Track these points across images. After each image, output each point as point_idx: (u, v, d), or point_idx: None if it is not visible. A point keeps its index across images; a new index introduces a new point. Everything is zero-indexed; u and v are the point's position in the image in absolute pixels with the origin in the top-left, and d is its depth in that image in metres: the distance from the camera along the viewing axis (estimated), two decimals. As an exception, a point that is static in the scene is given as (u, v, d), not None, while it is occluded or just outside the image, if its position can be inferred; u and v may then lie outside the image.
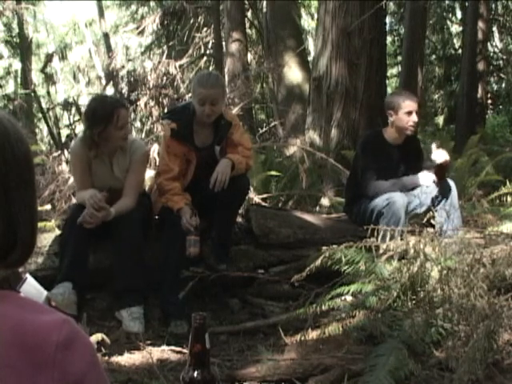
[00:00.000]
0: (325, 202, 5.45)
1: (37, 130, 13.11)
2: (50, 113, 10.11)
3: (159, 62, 7.53)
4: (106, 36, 15.15)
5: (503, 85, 14.95)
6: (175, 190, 3.23)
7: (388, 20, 12.69)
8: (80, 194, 3.28)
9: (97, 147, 3.19)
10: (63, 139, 7.54)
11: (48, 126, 9.71)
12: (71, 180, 4.90)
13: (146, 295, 3.19)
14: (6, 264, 0.80)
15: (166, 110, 6.15)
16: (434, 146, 3.71)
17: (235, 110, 6.13)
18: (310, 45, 12.71)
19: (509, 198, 4.62)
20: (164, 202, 3.25)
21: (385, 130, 3.77)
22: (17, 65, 16.46)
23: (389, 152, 3.71)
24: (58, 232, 3.45)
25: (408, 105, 3.63)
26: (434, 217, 3.26)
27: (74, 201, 4.60)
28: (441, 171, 3.65)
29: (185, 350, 2.66)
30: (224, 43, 9.21)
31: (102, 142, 3.17)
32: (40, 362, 0.72)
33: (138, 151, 3.29)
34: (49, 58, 15.27)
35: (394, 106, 3.67)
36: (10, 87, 16.43)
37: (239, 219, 3.69)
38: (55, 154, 5.68)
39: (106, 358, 2.61)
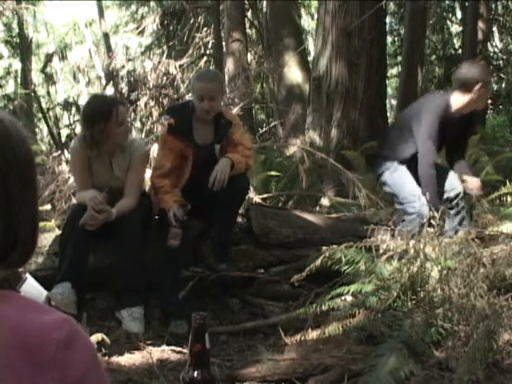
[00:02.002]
0: (325, 202, 5.45)
1: (37, 130, 13.11)
2: (50, 113, 10.12)
3: (159, 62, 7.53)
4: (105, 36, 15.14)
5: (503, 85, 14.94)
6: (165, 188, 3.25)
7: (388, 20, 12.67)
8: (80, 194, 3.28)
9: (98, 146, 3.17)
10: (63, 139, 7.55)
11: (48, 126, 9.72)
12: (71, 180, 4.90)
13: (147, 295, 3.19)
14: (7, 264, 0.80)
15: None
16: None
17: (235, 110, 6.12)
18: (310, 45, 12.71)
19: (509, 198, 4.61)
20: (158, 203, 3.27)
21: (453, 97, 3.64)
22: (17, 65, 16.44)
23: (451, 121, 3.63)
24: (58, 232, 3.45)
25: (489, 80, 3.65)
26: (434, 217, 3.26)
27: (74, 201, 4.60)
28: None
29: (185, 350, 2.66)
30: (224, 43, 9.21)
31: (103, 140, 3.14)
32: (40, 362, 0.72)
33: (138, 151, 3.29)
34: (49, 58, 15.26)
35: (481, 80, 3.54)
36: (10, 87, 16.43)
37: (239, 219, 3.69)
38: (55, 154, 5.69)
39: (106, 358, 2.61)
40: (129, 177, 3.24)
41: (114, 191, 3.21)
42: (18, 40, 15.47)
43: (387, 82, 9.49)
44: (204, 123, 3.34)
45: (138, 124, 7.55)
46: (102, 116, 3.09)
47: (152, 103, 6.82)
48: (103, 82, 11.93)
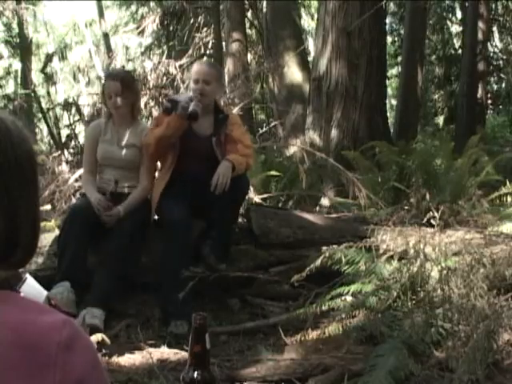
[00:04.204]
0: (325, 202, 5.45)
1: (37, 130, 13.10)
2: (50, 113, 10.11)
3: (159, 62, 7.53)
4: (105, 36, 15.14)
5: (503, 85, 14.93)
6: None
7: (388, 20, 12.68)
8: (86, 187, 3.46)
9: (111, 115, 3.49)
10: (63, 139, 7.53)
11: (48, 126, 9.71)
12: (71, 180, 4.91)
13: (112, 305, 3.11)
14: (8, 265, 0.80)
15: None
16: None
17: (235, 110, 6.13)
18: (310, 45, 12.70)
19: (509, 198, 4.61)
20: (156, 202, 3.29)
21: None
22: (17, 65, 16.44)
23: None
24: (58, 232, 3.45)
25: None
26: (434, 217, 3.26)
27: (73, 201, 4.60)
28: None
29: (185, 350, 2.66)
30: (224, 43, 9.21)
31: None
32: (42, 363, 0.72)
33: None
34: (49, 58, 15.26)
35: None
36: (10, 87, 16.42)
37: (239, 219, 3.69)
38: (55, 154, 5.69)
39: (106, 358, 2.61)
40: (141, 166, 3.42)
41: (119, 164, 3.39)
42: (18, 40, 15.47)
43: (387, 81, 9.49)
44: (203, 115, 3.38)
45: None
46: (101, 88, 3.65)
47: (152, 103, 6.82)
48: (103, 81, 11.90)
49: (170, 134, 3.27)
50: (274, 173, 5.54)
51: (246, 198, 3.76)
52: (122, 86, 3.36)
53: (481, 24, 10.42)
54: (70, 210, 3.35)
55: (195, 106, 3.20)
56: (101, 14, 15.62)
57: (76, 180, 4.88)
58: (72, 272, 3.02)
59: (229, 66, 8.76)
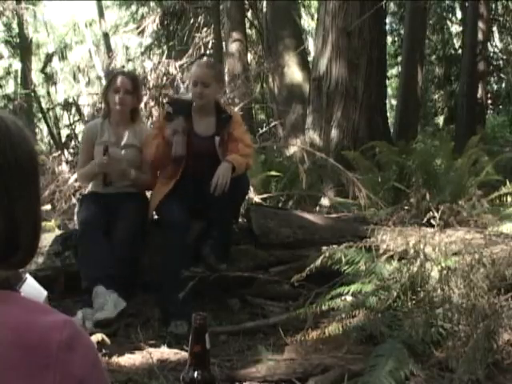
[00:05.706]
0: (325, 202, 5.45)
1: (37, 130, 13.10)
2: (50, 113, 10.11)
3: (159, 62, 7.53)
4: (105, 36, 15.16)
5: (503, 85, 14.94)
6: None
7: (388, 20, 12.68)
8: (81, 170, 3.50)
9: (109, 112, 3.47)
10: (63, 139, 7.54)
11: (48, 126, 9.72)
12: (71, 180, 4.91)
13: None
14: (8, 265, 0.79)
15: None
16: None
17: (235, 110, 6.12)
18: (310, 45, 12.70)
19: (509, 198, 4.61)
20: (156, 203, 3.29)
21: None
22: (17, 65, 16.45)
23: None
24: (58, 232, 3.45)
25: None
26: (434, 217, 3.26)
27: (73, 201, 4.61)
28: None
29: (185, 351, 2.66)
30: (224, 43, 9.21)
31: (109, 106, 3.46)
32: (42, 363, 0.72)
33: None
34: (49, 58, 15.27)
35: None
36: (10, 87, 16.42)
37: (239, 219, 3.69)
38: (55, 154, 5.70)
39: (106, 358, 2.61)
40: (144, 163, 3.45)
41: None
42: (18, 40, 15.48)
43: (387, 81, 9.48)
44: (205, 115, 3.40)
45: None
46: (107, 82, 3.59)
47: (152, 103, 6.82)
48: (103, 82, 11.93)
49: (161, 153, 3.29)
50: (273, 173, 5.54)
51: (246, 197, 3.76)
52: (133, 84, 3.42)
53: (481, 24, 10.42)
54: (81, 221, 3.26)
55: (180, 147, 3.23)
56: (101, 14, 15.63)
57: (76, 180, 4.88)
58: (100, 274, 2.99)
59: (229, 66, 8.76)
